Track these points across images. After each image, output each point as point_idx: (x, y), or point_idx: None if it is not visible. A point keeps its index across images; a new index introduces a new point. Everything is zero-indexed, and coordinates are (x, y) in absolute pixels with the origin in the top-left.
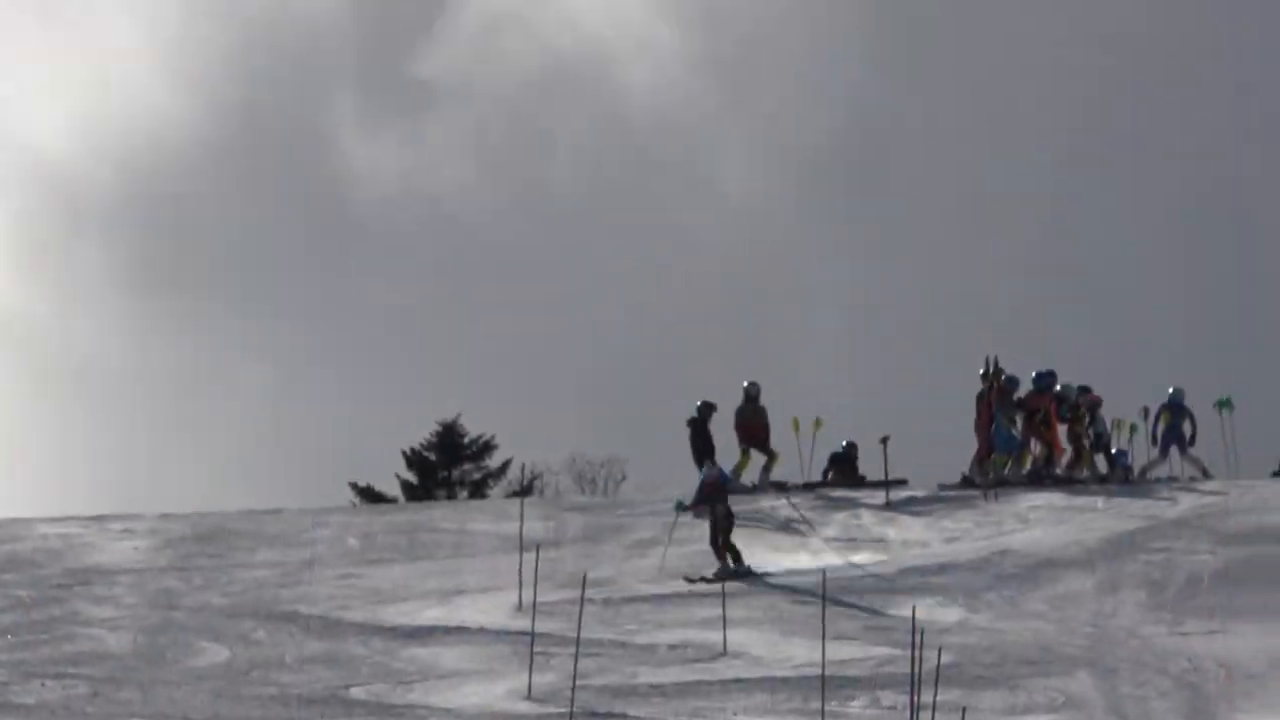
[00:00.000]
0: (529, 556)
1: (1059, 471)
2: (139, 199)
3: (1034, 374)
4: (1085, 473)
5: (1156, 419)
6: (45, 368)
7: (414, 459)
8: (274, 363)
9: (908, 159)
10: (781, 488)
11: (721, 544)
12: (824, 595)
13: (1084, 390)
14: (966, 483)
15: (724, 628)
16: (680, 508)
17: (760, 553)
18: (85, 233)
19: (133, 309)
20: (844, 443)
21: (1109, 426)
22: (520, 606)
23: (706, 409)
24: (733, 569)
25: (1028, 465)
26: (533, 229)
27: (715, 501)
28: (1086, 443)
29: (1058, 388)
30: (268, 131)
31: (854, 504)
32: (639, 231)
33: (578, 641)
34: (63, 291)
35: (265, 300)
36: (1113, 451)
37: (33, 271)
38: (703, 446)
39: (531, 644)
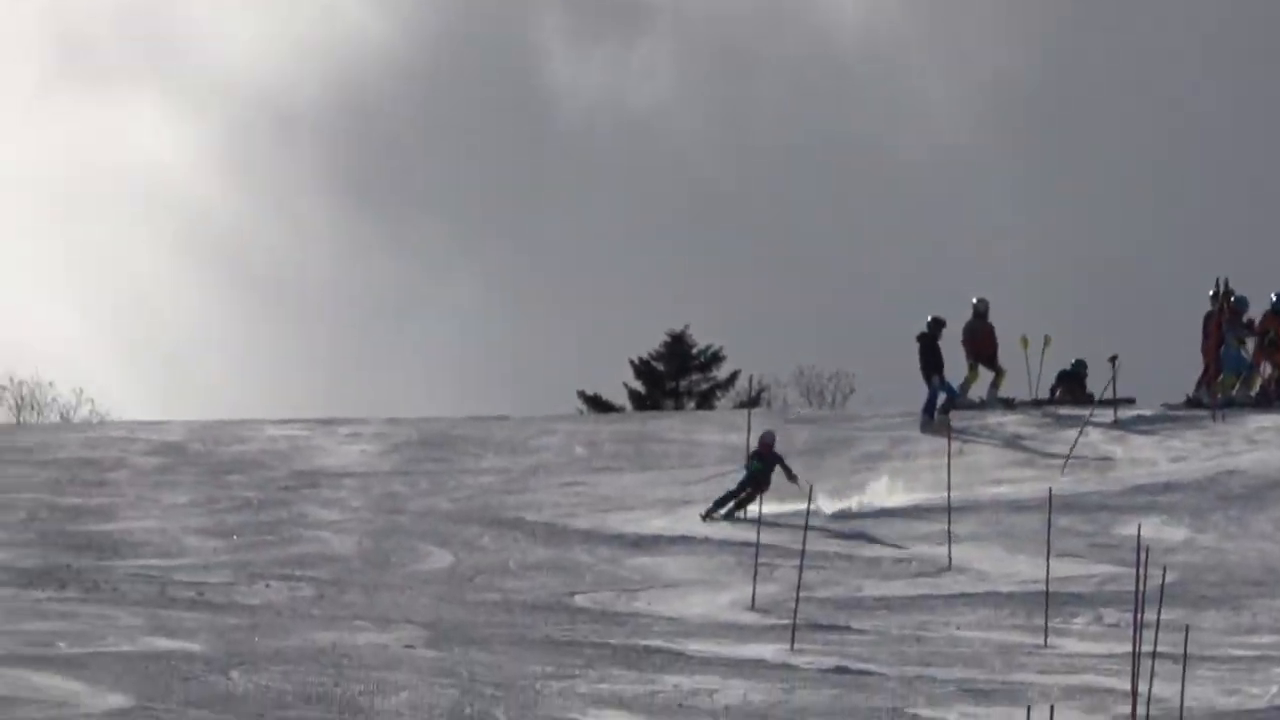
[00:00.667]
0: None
1: None
2: (348, 115)
3: (1274, 294)
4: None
5: None
6: (256, 275)
7: (642, 369)
8: (489, 279)
9: (1104, 95)
10: (1009, 404)
11: (739, 502)
12: (1050, 512)
13: None
14: (1193, 403)
15: (949, 542)
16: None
17: (986, 470)
18: (296, 144)
19: (344, 222)
20: (1073, 360)
21: None
22: (745, 517)
23: (936, 324)
24: (723, 514)
25: (1256, 387)
26: (737, 150)
27: (770, 468)
28: None
29: None
30: (475, 50)
31: (1081, 421)
32: (841, 152)
33: (802, 554)
34: (275, 201)
35: (476, 218)
36: None
37: (244, 178)
38: (932, 361)
39: (756, 555)
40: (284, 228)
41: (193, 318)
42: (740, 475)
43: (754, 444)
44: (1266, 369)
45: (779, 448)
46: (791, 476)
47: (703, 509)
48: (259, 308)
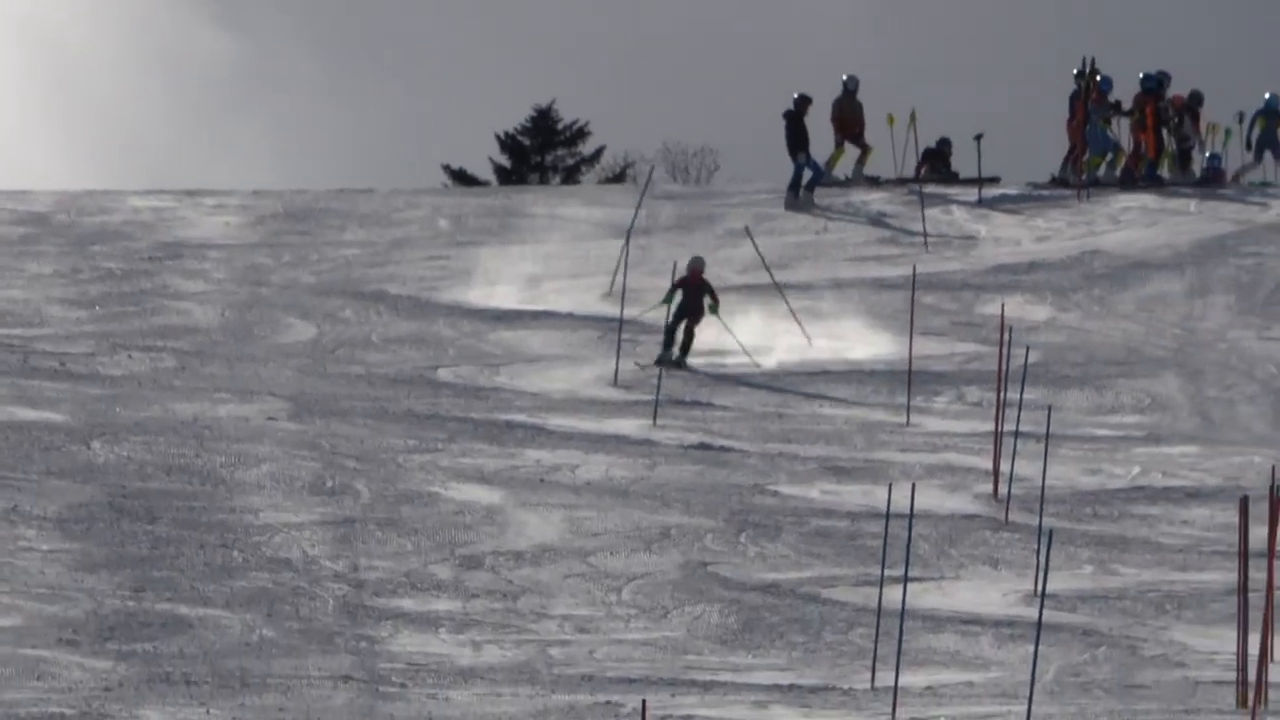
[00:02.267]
0: (618, 243)
1: (1160, 174)
2: None
3: (1142, 74)
4: (1180, 175)
5: (1252, 123)
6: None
7: (507, 143)
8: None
9: None
10: (874, 182)
11: (685, 333)
12: (913, 289)
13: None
14: (1058, 182)
15: (801, 320)
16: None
17: (850, 248)
18: None
19: None
20: (938, 138)
21: (1203, 130)
22: (609, 292)
23: (803, 101)
24: (674, 359)
25: (1120, 166)
26: None
27: (702, 294)
28: (1173, 146)
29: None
30: None
31: (946, 200)
32: None
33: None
34: None
35: None
36: (1206, 155)
37: None
38: (798, 138)
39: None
40: None
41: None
42: (661, 309)
43: (644, 219)
44: (1131, 147)
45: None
46: (714, 304)
47: (640, 357)
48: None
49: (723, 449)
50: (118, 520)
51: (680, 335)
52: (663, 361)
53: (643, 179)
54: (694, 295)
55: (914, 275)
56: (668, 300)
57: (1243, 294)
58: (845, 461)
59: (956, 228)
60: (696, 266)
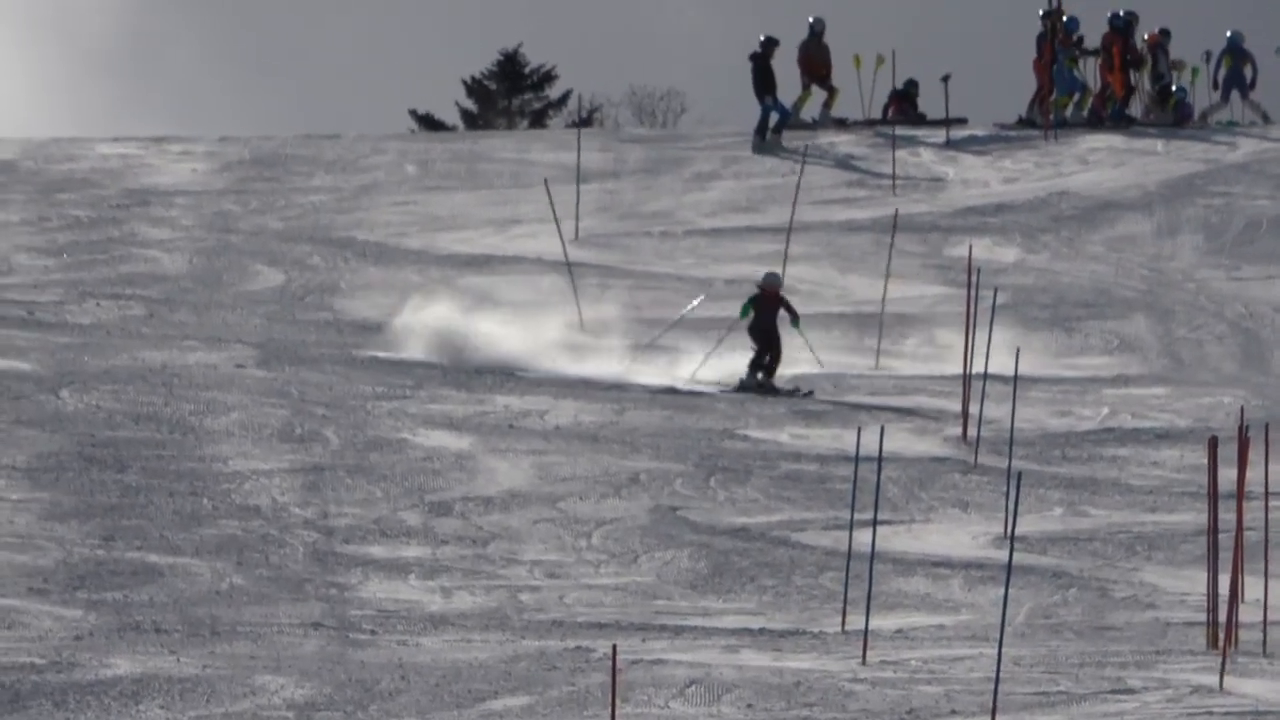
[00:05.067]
0: (586, 188)
1: (1129, 112)
2: None
3: (1110, 14)
4: (1152, 115)
5: (1218, 63)
6: None
7: (474, 88)
8: None
9: None
10: (842, 124)
11: (771, 356)
12: (893, 232)
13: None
14: (1026, 123)
15: (784, 262)
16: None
17: (818, 190)
18: None
19: None
20: (905, 80)
21: (1169, 68)
22: (577, 237)
23: (769, 44)
24: (759, 382)
25: (1088, 107)
26: None
27: (777, 310)
28: (1148, 84)
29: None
30: None
31: (914, 141)
32: None
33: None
34: None
35: None
36: (1173, 88)
37: None
38: (764, 81)
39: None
40: None
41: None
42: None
43: (611, 163)
44: (1102, 86)
45: None
46: (795, 319)
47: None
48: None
49: (692, 393)
50: (87, 469)
51: (765, 358)
52: (746, 387)
53: (610, 123)
54: (768, 312)
55: (895, 220)
56: (744, 314)
57: (1211, 234)
58: (814, 406)
59: (924, 169)
60: (772, 284)
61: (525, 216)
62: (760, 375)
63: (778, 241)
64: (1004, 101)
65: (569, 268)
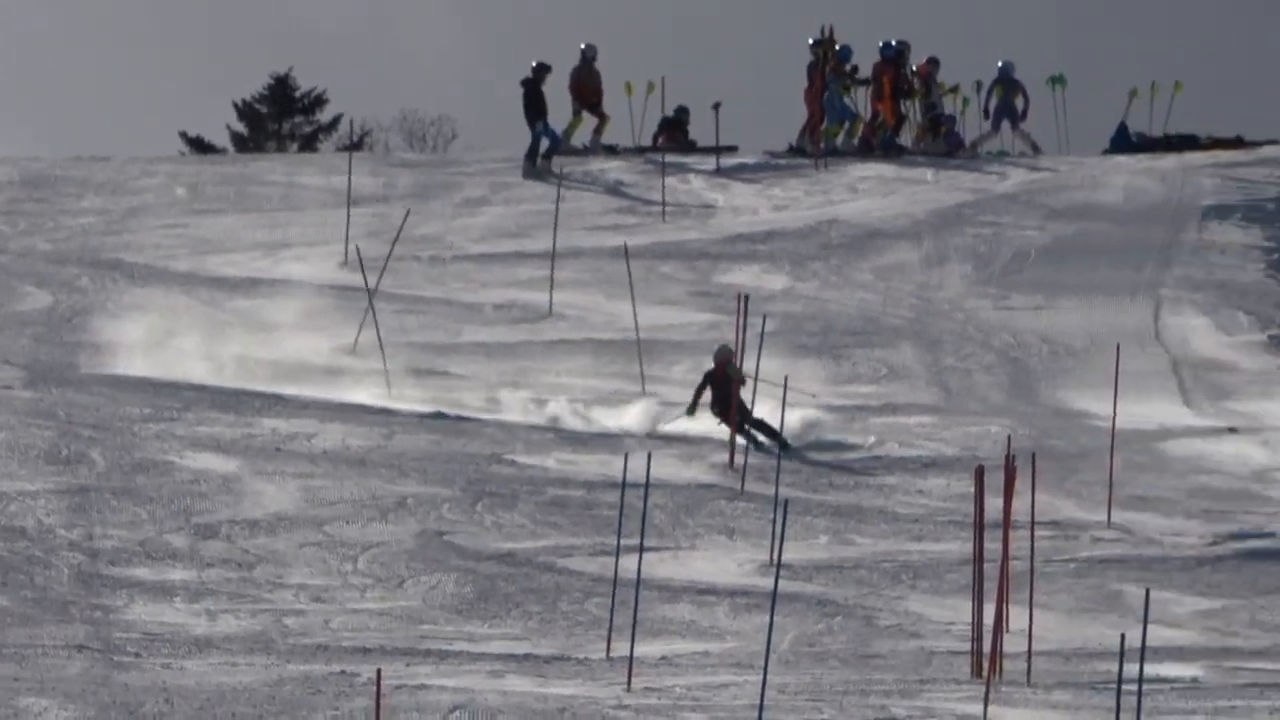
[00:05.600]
0: (356, 211)
1: (899, 141)
2: None
3: (881, 42)
4: (922, 144)
5: (989, 93)
6: None
7: (245, 110)
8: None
9: None
10: (612, 150)
11: (755, 428)
12: (630, 259)
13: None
14: (796, 151)
15: (550, 289)
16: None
17: (588, 217)
18: None
19: None
20: (676, 107)
21: (939, 97)
22: (346, 261)
23: (541, 69)
24: (781, 446)
25: (858, 135)
26: None
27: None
28: (918, 114)
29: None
30: None
31: (684, 169)
32: None
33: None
34: None
35: None
36: (942, 115)
37: None
38: (535, 107)
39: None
40: None
41: None
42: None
43: (382, 187)
44: (873, 114)
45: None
46: (741, 379)
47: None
48: None
49: (460, 418)
50: None
51: (756, 433)
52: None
53: (380, 148)
54: (723, 384)
55: (626, 251)
56: (693, 403)
57: (979, 263)
58: (583, 430)
59: (694, 196)
60: (723, 358)
61: (294, 240)
62: (766, 439)
63: (546, 267)
64: (775, 130)
65: (369, 288)
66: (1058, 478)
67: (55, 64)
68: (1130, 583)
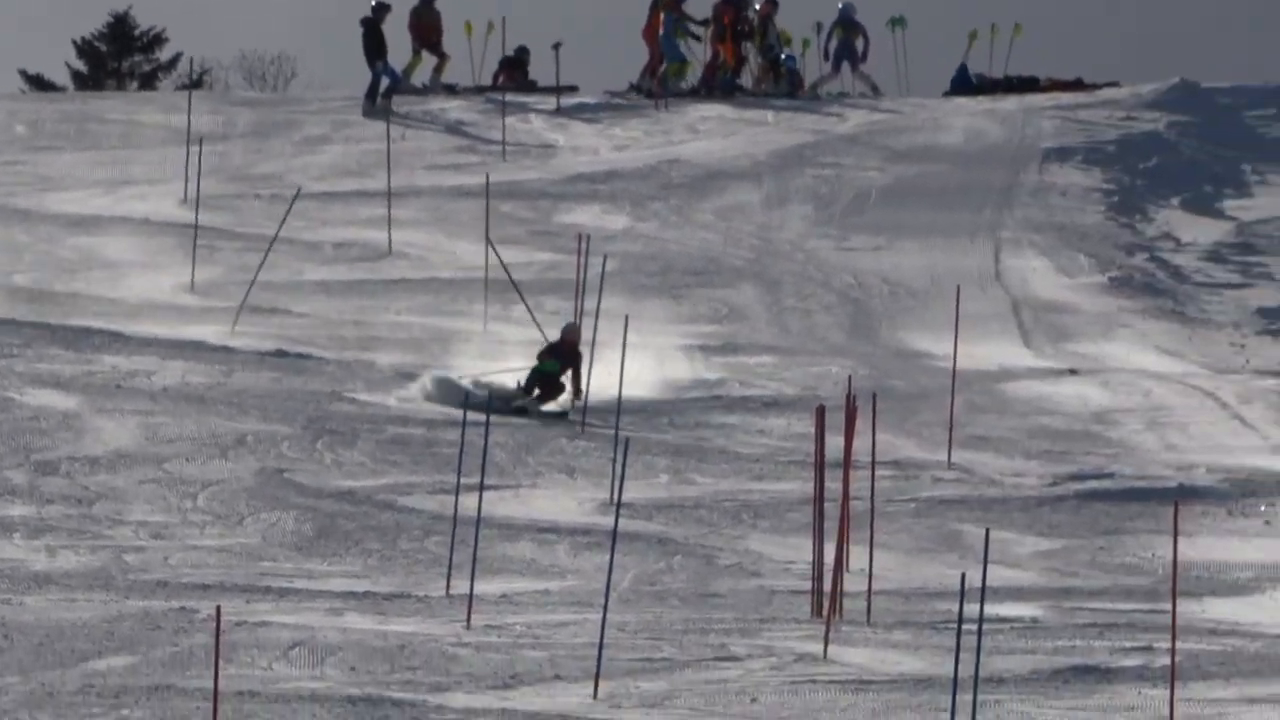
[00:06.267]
0: (196, 149)
1: (739, 82)
2: None
3: None
4: (764, 86)
5: (829, 34)
6: None
7: (84, 48)
8: None
9: None
10: (452, 90)
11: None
12: (487, 197)
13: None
14: (636, 91)
15: (389, 228)
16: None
17: (428, 156)
18: None
19: None
20: (516, 47)
21: (778, 39)
22: (186, 199)
23: (380, 8)
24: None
25: (698, 75)
26: None
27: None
28: (758, 55)
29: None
30: None
31: (524, 109)
32: None
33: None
34: None
35: None
36: (782, 56)
37: None
38: (375, 46)
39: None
40: None
41: None
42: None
43: (221, 125)
44: (709, 56)
45: None
46: (577, 390)
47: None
48: None
49: (300, 355)
50: None
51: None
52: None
53: (220, 86)
54: (567, 362)
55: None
56: (536, 371)
57: (820, 204)
58: (421, 369)
59: (535, 136)
60: (571, 337)
61: (135, 178)
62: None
63: (383, 206)
64: (616, 70)
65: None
66: (898, 418)
67: None
68: (970, 523)
